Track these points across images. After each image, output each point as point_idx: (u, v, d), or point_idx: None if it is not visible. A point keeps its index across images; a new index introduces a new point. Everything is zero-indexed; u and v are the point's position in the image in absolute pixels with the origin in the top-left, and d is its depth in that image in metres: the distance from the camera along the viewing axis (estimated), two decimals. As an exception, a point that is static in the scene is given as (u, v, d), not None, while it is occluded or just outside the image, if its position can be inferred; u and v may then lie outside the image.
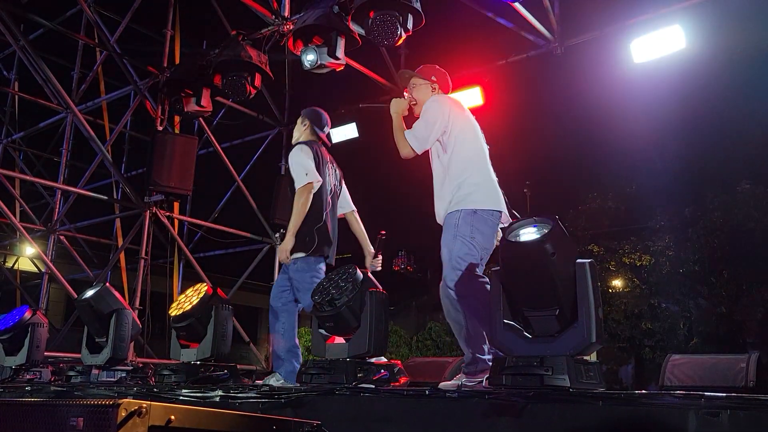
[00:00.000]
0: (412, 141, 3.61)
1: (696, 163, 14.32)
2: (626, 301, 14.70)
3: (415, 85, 3.90)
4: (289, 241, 4.16)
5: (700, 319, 14.00)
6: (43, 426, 1.57)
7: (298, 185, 4.21)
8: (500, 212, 3.59)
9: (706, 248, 13.61)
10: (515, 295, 2.80)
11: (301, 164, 4.25)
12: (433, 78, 3.89)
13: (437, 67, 3.97)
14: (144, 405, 1.37)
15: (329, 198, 4.41)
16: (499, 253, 2.84)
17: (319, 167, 4.31)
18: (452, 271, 3.39)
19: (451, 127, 3.62)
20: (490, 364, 3.08)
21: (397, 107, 3.81)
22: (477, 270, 3.41)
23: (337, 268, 3.64)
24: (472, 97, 7.70)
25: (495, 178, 3.69)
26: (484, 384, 3.13)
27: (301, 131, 4.55)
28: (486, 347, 3.35)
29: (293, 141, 4.57)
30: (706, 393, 2.06)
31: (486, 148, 3.78)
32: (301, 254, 4.20)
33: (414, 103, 3.85)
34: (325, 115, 4.63)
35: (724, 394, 2.05)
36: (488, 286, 3.06)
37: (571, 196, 16.57)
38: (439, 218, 3.63)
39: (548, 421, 2.33)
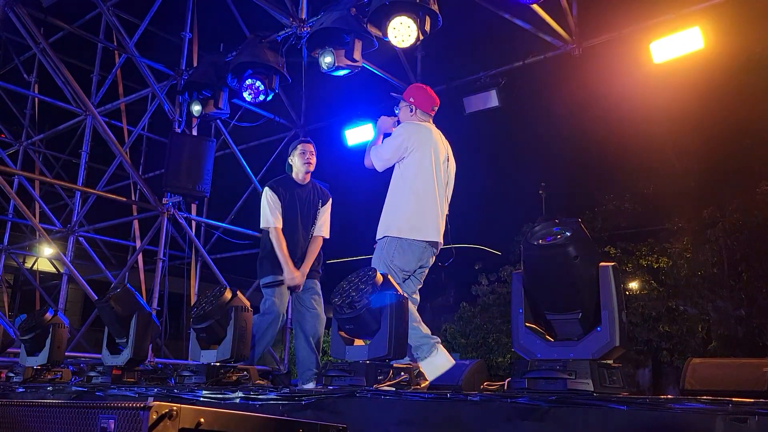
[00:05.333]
0: (375, 159, 4.11)
1: (715, 164, 14.18)
2: (643, 304, 14.58)
3: (401, 107, 4.29)
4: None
5: (718, 322, 13.84)
6: (73, 428, 1.59)
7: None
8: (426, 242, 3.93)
9: (725, 250, 13.46)
10: (537, 298, 2.79)
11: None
12: (411, 99, 4.22)
13: (419, 86, 4.37)
14: (175, 408, 1.38)
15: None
16: (521, 256, 2.84)
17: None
18: None
19: (410, 154, 4.00)
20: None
21: (381, 123, 4.33)
22: None
23: (357, 271, 3.64)
24: (490, 99, 7.68)
25: (437, 210, 3.98)
26: (505, 387, 3.12)
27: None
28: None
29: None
30: (733, 398, 2.03)
31: (443, 180, 4.11)
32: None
33: (396, 121, 4.28)
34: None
35: (752, 400, 2.02)
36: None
37: (587, 197, 16.48)
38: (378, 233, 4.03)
39: (571, 425, 2.32)
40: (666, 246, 14.55)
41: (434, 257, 4.06)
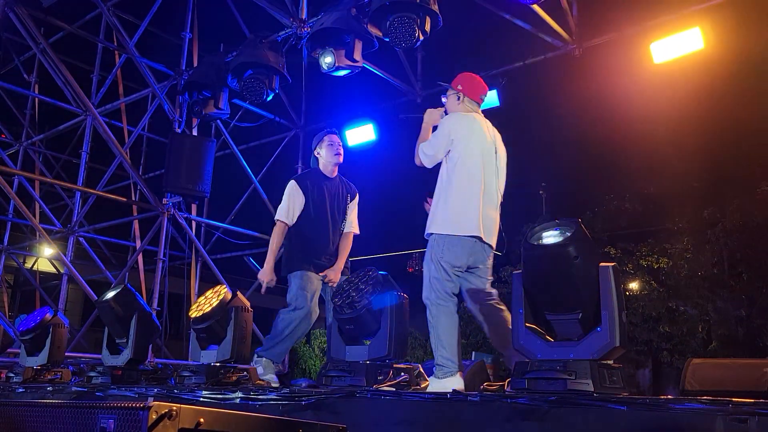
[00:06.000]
0: (422, 156, 3.86)
1: (715, 165, 14.18)
2: (644, 304, 14.57)
3: (448, 95, 4.04)
4: None
5: (718, 323, 13.84)
6: (73, 428, 1.59)
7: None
8: (473, 237, 3.67)
9: (725, 250, 13.46)
10: (537, 298, 2.79)
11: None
12: (459, 87, 3.98)
13: (468, 74, 4.05)
14: (174, 408, 1.38)
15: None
16: (521, 256, 2.83)
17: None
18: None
19: (454, 147, 3.77)
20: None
21: (428, 117, 4.04)
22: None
23: (357, 271, 3.64)
24: (489, 98, 7.68)
25: (479, 204, 3.73)
26: (505, 387, 3.12)
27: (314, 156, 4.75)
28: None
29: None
30: (733, 399, 2.03)
31: (492, 171, 3.84)
32: None
33: (444, 112, 4.02)
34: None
35: (752, 400, 2.02)
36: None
37: (587, 197, 16.47)
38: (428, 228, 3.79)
39: (571, 425, 2.32)
40: (666, 246, 14.54)
41: (491, 257, 3.79)
